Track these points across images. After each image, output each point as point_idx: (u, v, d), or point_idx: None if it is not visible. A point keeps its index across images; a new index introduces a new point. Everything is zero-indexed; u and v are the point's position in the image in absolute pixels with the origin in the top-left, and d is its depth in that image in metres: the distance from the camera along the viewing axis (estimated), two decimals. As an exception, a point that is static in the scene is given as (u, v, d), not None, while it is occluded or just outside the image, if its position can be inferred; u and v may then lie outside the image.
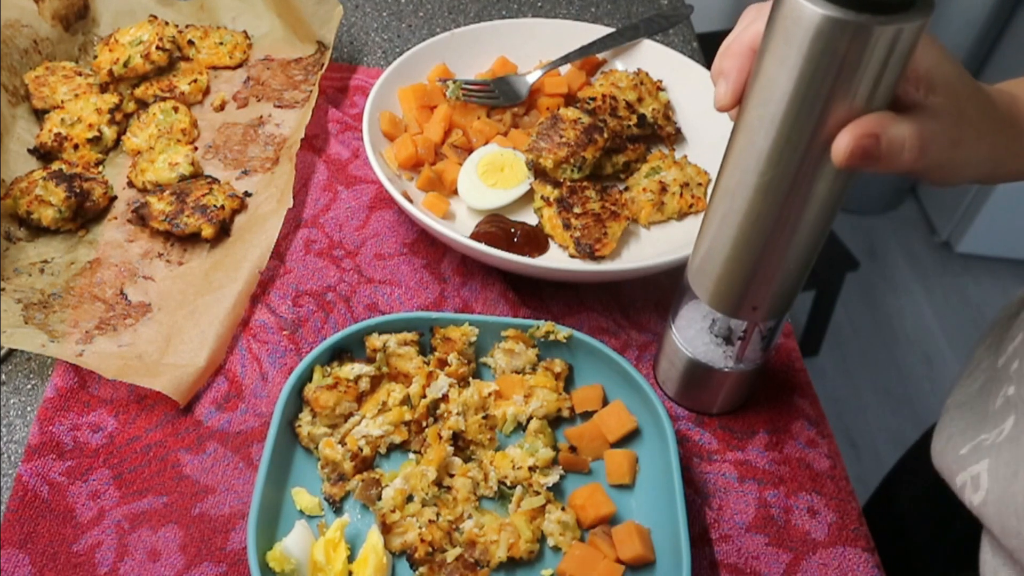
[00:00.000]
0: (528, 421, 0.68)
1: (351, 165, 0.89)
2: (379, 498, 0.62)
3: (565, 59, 0.94)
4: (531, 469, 0.64)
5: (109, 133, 0.87)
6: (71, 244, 0.79)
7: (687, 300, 0.66)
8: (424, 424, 0.67)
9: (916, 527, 0.88)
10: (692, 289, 0.64)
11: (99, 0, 0.98)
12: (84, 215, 0.80)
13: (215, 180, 0.84)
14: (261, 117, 0.92)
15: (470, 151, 0.87)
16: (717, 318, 0.64)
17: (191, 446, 0.67)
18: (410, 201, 0.79)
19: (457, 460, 0.65)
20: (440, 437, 0.65)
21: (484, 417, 0.67)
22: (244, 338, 0.74)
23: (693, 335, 0.67)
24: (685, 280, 0.65)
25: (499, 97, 0.90)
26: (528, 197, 0.85)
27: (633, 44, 0.97)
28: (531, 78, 0.92)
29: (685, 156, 0.89)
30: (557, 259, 0.80)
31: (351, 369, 0.67)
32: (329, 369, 0.68)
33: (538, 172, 0.83)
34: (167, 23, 0.95)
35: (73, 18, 0.96)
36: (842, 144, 0.48)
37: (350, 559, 0.60)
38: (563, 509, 0.62)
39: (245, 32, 1.01)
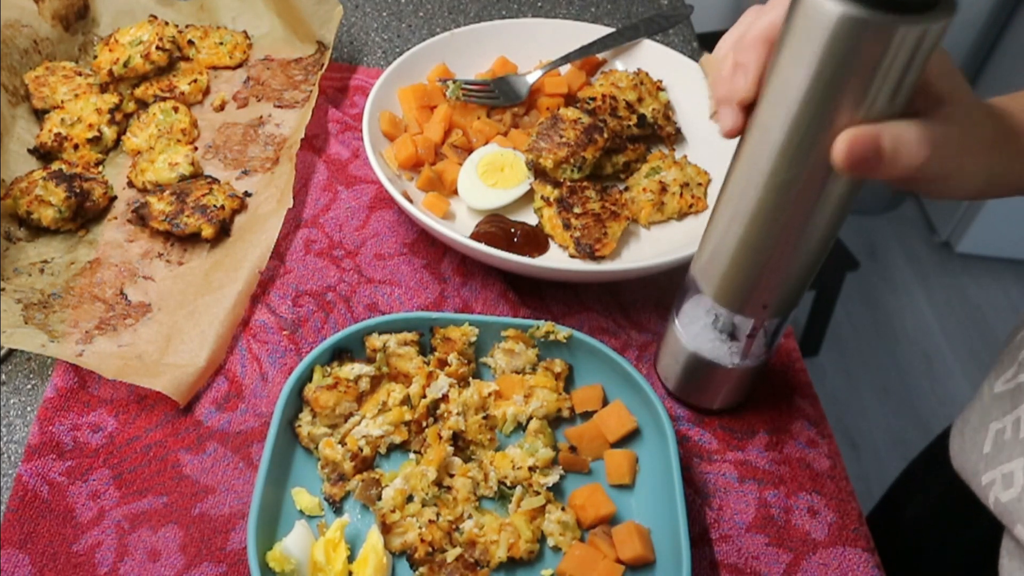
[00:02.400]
0: (528, 421, 0.68)
1: (351, 165, 0.89)
2: (379, 498, 0.62)
3: (565, 59, 0.94)
4: (531, 469, 0.64)
5: (109, 133, 0.87)
6: (71, 244, 0.79)
7: (690, 296, 0.66)
8: (424, 424, 0.67)
9: (925, 540, 0.85)
10: (697, 285, 0.64)
11: (99, 0, 0.98)
12: (84, 215, 0.80)
13: (215, 180, 0.84)
14: (261, 117, 0.92)
15: (470, 151, 0.87)
16: (721, 314, 0.64)
17: (191, 446, 0.67)
18: (410, 201, 0.78)
19: (457, 460, 0.65)
20: (440, 437, 0.65)
21: (484, 417, 0.67)
22: (244, 338, 0.74)
23: (697, 331, 0.67)
24: (689, 276, 0.65)
25: (499, 97, 0.90)
26: (528, 197, 0.85)
27: (633, 44, 0.97)
28: (531, 78, 0.92)
29: (685, 156, 0.89)
30: (557, 259, 0.80)
31: (351, 369, 0.67)
32: (329, 369, 0.68)
33: (538, 172, 0.83)
34: (167, 23, 0.95)
35: (73, 18, 0.96)
36: (840, 147, 0.47)
37: (350, 559, 0.60)
38: (563, 509, 0.62)
39: (245, 32, 1.01)
